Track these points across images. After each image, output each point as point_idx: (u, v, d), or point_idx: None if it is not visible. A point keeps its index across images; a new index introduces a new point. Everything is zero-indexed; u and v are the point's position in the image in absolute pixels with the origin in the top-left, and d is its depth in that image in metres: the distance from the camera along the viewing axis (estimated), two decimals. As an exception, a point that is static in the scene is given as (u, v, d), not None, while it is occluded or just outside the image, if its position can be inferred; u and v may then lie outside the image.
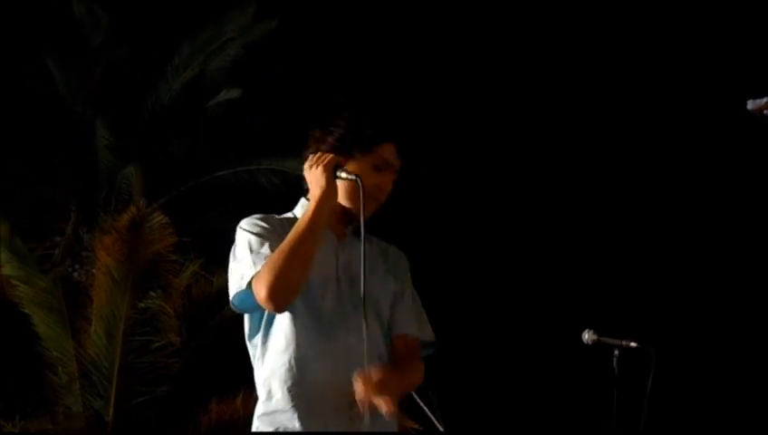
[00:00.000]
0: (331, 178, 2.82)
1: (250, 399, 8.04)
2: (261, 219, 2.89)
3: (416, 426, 8.36)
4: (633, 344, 4.30)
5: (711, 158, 11.54)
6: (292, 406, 2.78)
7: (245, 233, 2.87)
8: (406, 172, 2.99)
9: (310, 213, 2.78)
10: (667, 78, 11.59)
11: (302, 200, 2.98)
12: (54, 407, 8.69)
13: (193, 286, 8.78)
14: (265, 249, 2.81)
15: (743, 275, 11.35)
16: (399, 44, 11.60)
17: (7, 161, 10.42)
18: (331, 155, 2.85)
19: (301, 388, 2.79)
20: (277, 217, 2.96)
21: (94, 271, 8.91)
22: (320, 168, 2.82)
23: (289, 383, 2.80)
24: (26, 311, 8.65)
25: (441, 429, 4.52)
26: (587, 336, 4.38)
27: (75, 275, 9.89)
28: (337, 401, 2.76)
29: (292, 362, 2.80)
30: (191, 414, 8.51)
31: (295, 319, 2.81)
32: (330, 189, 2.81)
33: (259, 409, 2.87)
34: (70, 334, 8.47)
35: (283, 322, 2.83)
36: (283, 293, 2.73)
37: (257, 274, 2.75)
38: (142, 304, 8.25)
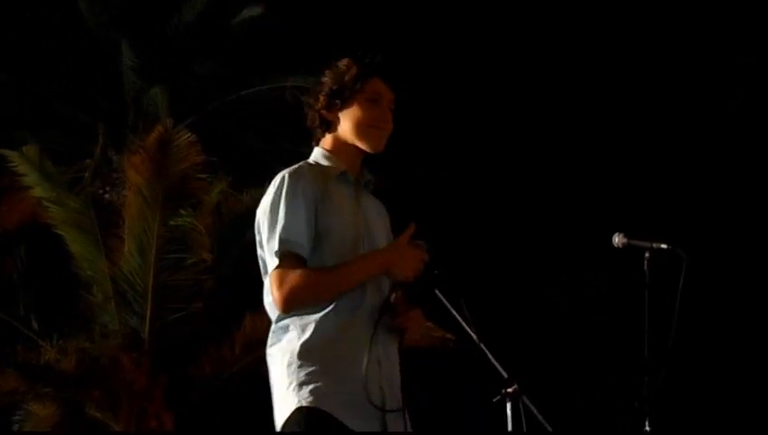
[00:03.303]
0: (415, 274, 2.93)
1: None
2: (305, 182, 2.93)
3: (450, 336, 8.45)
4: (663, 246, 4.28)
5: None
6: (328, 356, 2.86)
7: (293, 195, 2.92)
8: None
9: (368, 271, 2.90)
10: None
11: (322, 151, 3.07)
12: (91, 325, 8.84)
13: (222, 204, 8.83)
14: (302, 232, 2.89)
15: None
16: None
17: (35, 86, 10.46)
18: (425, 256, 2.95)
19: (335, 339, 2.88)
20: (309, 169, 3.00)
21: (124, 192, 8.99)
22: (416, 263, 2.93)
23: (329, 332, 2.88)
24: (60, 232, 8.75)
25: (475, 337, 4.50)
26: (617, 239, 4.36)
27: (106, 196, 9.98)
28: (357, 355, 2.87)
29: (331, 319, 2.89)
30: (226, 330, 8.62)
31: None
32: (397, 273, 2.92)
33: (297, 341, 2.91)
34: (103, 254, 8.56)
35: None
36: (294, 311, 2.88)
37: (286, 278, 2.85)
38: (173, 222, 8.30)
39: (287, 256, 2.85)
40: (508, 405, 4.29)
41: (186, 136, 8.35)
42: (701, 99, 11.53)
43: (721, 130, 11.52)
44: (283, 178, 2.94)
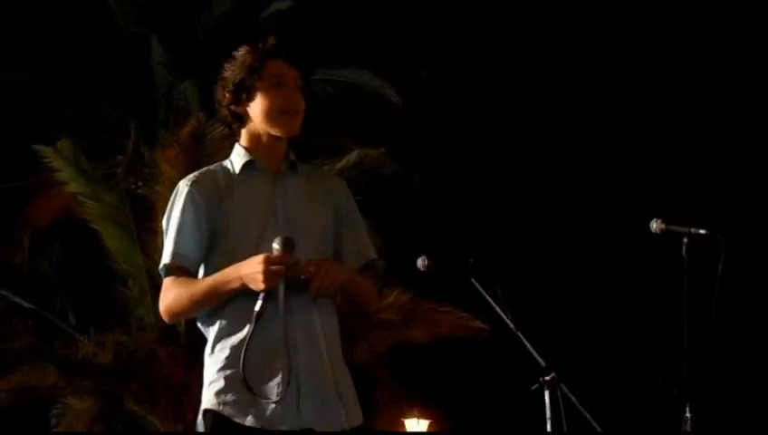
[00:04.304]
0: (267, 284, 2.78)
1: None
2: (194, 188, 2.97)
3: (484, 325, 8.47)
4: (702, 231, 4.26)
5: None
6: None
7: (179, 204, 2.96)
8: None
9: (226, 287, 2.85)
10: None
11: (237, 147, 3.06)
12: (128, 319, 8.90)
13: (256, 196, 8.84)
14: (183, 242, 2.94)
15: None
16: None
17: (66, 83, 10.51)
18: (283, 267, 2.79)
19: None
20: (212, 170, 3.04)
21: (157, 187, 9.02)
22: (267, 274, 2.78)
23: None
24: (95, 227, 8.81)
25: (511, 325, 4.51)
26: (655, 225, 4.34)
27: (139, 191, 10.02)
28: (277, 341, 2.85)
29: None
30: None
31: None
32: (252, 287, 2.81)
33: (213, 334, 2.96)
34: (138, 248, 8.60)
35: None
36: (174, 321, 3.02)
37: (165, 289, 2.93)
38: (207, 215, 8.31)
39: (173, 269, 2.93)
40: (546, 393, 4.29)
41: (219, 129, 8.38)
42: (710, 93, 11.49)
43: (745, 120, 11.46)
44: (177, 188, 3.00)
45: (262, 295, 2.77)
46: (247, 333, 2.78)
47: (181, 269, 2.93)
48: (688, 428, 4.09)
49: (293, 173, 3.06)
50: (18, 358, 8.61)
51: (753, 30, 11.29)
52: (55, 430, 8.83)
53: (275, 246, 2.80)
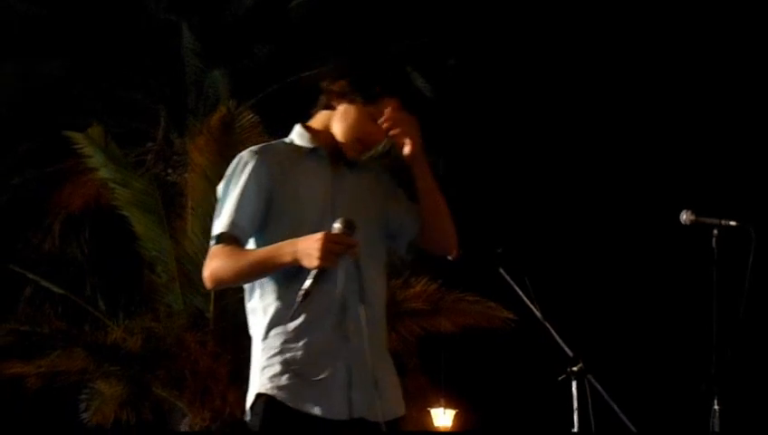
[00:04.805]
0: (322, 262, 2.70)
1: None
2: (260, 163, 2.91)
3: (511, 315, 8.47)
4: (732, 223, 4.24)
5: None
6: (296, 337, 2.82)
7: (243, 175, 2.90)
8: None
9: (277, 260, 2.77)
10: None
11: (300, 130, 3.02)
12: (156, 305, 8.94)
13: (284, 183, 8.87)
14: (241, 213, 2.87)
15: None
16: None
17: (97, 70, 10.56)
18: (342, 246, 2.73)
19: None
20: (274, 146, 3.01)
21: (186, 174, 9.07)
22: (324, 251, 2.69)
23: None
24: (125, 213, 8.86)
25: (539, 315, 4.50)
26: (685, 217, 4.32)
27: (168, 178, 10.07)
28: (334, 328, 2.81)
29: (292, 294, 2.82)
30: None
31: None
32: (305, 263, 2.73)
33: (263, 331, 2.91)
34: (168, 234, 8.64)
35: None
36: (217, 288, 2.93)
37: (213, 256, 2.85)
38: (237, 202, 8.35)
39: (224, 237, 2.86)
40: (573, 384, 4.28)
41: (248, 117, 8.41)
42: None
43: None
44: (240, 157, 2.94)
45: (313, 274, 2.69)
46: (294, 311, 2.75)
47: (233, 239, 2.86)
48: (717, 420, 4.08)
49: (348, 170, 3.04)
50: (48, 343, 8.68)
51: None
52: (84, 413, 8.90)
53: (337, 225, 2.73)
